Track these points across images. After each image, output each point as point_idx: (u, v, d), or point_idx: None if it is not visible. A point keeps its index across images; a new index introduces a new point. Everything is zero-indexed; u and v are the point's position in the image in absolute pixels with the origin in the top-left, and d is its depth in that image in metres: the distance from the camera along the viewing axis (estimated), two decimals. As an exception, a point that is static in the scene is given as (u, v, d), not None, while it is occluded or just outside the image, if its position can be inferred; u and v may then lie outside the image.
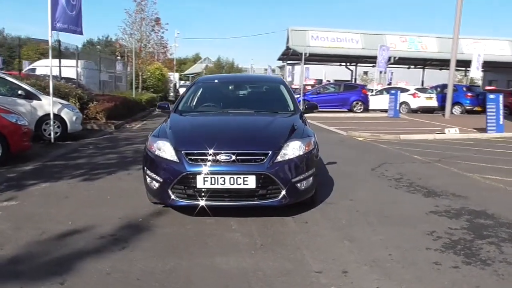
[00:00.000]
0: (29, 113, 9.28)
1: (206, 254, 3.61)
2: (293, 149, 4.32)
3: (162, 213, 4.68)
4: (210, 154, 4.15)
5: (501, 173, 7.01)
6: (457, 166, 7.55)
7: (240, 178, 4.07)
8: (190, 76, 69.99)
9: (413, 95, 21.56)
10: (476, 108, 21.98)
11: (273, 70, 56.68)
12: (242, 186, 4.09)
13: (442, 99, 22.14)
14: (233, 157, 4.13)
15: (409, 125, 15.54)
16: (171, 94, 32.66)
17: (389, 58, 35.26)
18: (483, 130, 13.38)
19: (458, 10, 19.11)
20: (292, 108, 5.56)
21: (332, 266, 3.38)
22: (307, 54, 35.43)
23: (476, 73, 28.90)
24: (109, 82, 22.25)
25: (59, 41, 13.58)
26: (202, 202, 4.16)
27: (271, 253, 3.62)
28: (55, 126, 9.64)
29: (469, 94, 22.32)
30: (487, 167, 7.48)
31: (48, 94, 9.79)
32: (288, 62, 45.15)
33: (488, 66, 37.79)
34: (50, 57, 9.74)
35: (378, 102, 22.48)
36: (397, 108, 19.52)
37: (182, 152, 4.21)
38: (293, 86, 48.05)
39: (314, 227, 4.31)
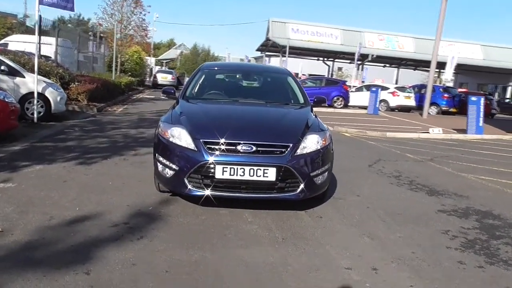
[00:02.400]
0: (12, 91, 8.77)
1: (228, 247, 3.50)
2: (311, 143, 4.25)
3: (171, 202, 4.52)
4: (230, 144, 4.02)
5: (493, 174, 7.20)
6: (449, 166, 7.71)
7: (260, 170, 3.97)
8: (165, 61, 68.66)
9: (393, 93, 21.95)
10: (451, 109, 22.62)
11: (249, 61, 56.40)
12: (261, 178, 3.99)
13: (419, 98, 22.66)
14: (254, 148, 4.01)
15: (390, 122, 15.79)
16: (148, 79, 31.93)
17: (367, 56, 35.83)
18: (463, 131, 13.78)
19: (442, 14, 19.48)
20: (302, 101, 5.48)
21: (360, 263, 3.35)
22: (288, 47, 35.50)
23: (450, 75, 29.69)
24: (85, 63, 21.47)
25: (40, 17, 12.89)
26: (220, 193, 4.04)
27: (294, 248, 3.55)
28: (39, 106, 9.19)
29: (445, 95, 22.92)
30: (478, 168, 7.67)
31: (29, 71, 9.32)
32: (267, 53, 45.00)
33: (460, 69, 38.93)
34: (36, 33, 9.25)
35: (357, 98, 22.76)
36: (377, 106, 19.80)
37: (200, 140, 4.05)
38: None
39: (329, 222, 4.27)
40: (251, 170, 3.96)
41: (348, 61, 44.99)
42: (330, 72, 45.15)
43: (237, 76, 6.11)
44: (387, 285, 3.01)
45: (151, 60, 39.79)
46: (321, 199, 4.79)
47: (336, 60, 45.07)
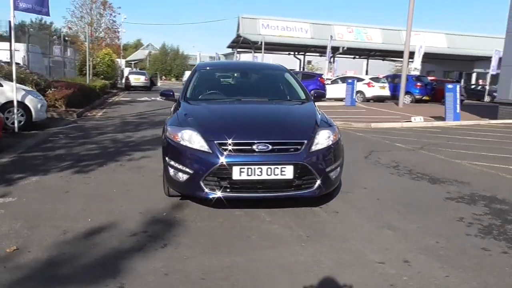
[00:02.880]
0: (-11, 100, 8.39)
1: (256, 248, 3.44)
2: (323, 139, 4.23)
3: (183, 206, 4.41)
4: (245, 144, 3.95)
5: (484, 159, 7.39)
6: (441, 153, 7.87)
7: (278, 168, 3.92)
8: (133, 62, 67.42)
9: (368, 84, 22.28)
10: (424, 97, 23.19)
11: (219, 58, 56.11)
12: (279, 177, 3.94)
13: (393, 88, 23.11)
14: (270, 147, 3.96)
15: (369, 113, 16.02)
16: (120, 81, 31.23)
17: (338, 48, 36.22)
18: (440, 118, 14.13)
19: (411, 5, 19.88)
20: (303, 96, 5.44)
21: (390, 256, 3.36)
22: (261, 43, 35.48)
23: (418, 63, 30.35)
24: (55, 68, 20.74)
25: (9, 23, 12.35)
26: (237, 194, 3.97)
27: (321, 245, 3.53)
28: (19, 115, 8.80)
29: (418, 84, 23.46)
30: (468, 154, 7.86)
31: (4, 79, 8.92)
32: (238, 50, 44.84)
33: (427, 57, 40.01)
34: (12, 40, 8.82)
35: (333, 91, 22.97)
36: (354, 97, 20.06)
37: (215, 142, 3.96)
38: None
39: (346, 216, 4.27)
40: (269, 169, 3.91)
41: (318, 54, 45.41)
42: (302, 66, 45.45)
43: (235, 74, 6.02)
44: (423, 277, 3.02)
45: (121, 62, 38.91)
46: (331, 194, 4.78)
47: (307, 53, 45.40)
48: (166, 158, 4.25)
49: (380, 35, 40.41)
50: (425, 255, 3.38)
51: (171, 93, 5.48)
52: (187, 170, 4.01)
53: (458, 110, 13.95)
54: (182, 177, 4.07)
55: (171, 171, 4.18)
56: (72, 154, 6.87)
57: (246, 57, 51.65)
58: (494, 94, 28.88)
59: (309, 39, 38.02)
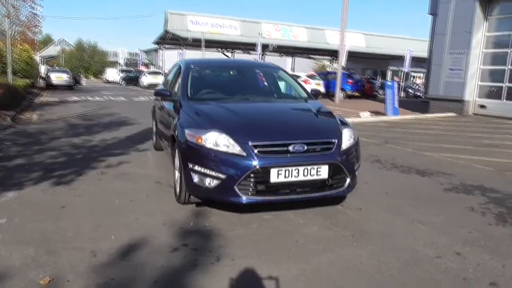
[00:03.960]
0: None
1: (312, 253, 3.31)
2: (348, 137, 4.21)
3: (205, 213, 4.13)
4: (281, 145, 3.80)
5: (448, 151, 7.92)
6: (406, 146, 8.29)
7: (314, 168, 3.82)
8: (45, 59, 62.40)
9: (305, 81, 22.88)
10: (355, 93, 24.42)
11: (142, 54, 54.09)
12: (315, 177, 3.85)
13: (327, 85, 24.04)
14: (306, 147, 3.84)
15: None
16: (39, 80, 28.70)
17: (268, 46, 36.75)
18: (380, 113, 14.94)
19: (345, 9, 20.73)
20: (305, 94, 5.39)
21: (441, 249, 3.43)
22: (191, 39, 34.76)
23: (343, 62, 31.79)
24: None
25: None
26: (275, 197, 3.81)
27: (372, 244, 3.50)
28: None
29: (350, 80, 24.62)
30: (429, 146, 8.37)
31: None
32: (166, 46, 43.52)
33: (348, 56, 42.14)
34: None
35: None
36: (293, 94, 20.48)
37: (249, 144, 3.74)
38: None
39: (371, 213, 4.29)
40: (305, 170, 3.79)
41: (247, 51, 45.70)
42: (230, 64, 45.39)
43: (231, 72, 5.77)
44: (484, 268, 3.13)
45: (37, 59, 35.80)
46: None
47: (236, 51, 45.47)
48: (189, 164, 3.93)
49: (306, 34, 41.75)
50: (470, 246, 3.51)
51: (168, 93, 5.09)
52: (218, 175, 3.75)
53: (396, 105, 14.86)
54: (211, 182, 3.80)
55: (196, 177, 3.88)
56: (36, 164, 6.10)
57: (172, 54, 50.37)
58: (409, 90, 31.38)
59: (238, 36, 38.11)
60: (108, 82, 46.04)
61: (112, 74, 46.85)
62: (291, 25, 41.41)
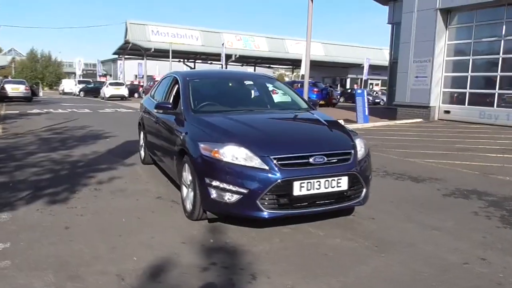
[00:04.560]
0: None
1: (346, 266, 3.28)
2: (360, 147, 4.24)
3: (220, 229, 4.02)
4: (302, 157, 3.76)
5: (431, 157, 8.19)
6: (390, 153, 8.51)
7: (334, 180, 3.82)
8: (-7, 70, 59.26)
9: (273, 91, 23.07)
10: (321, 102, 24.83)
11: (100, 65, 52.67)
12: (335, 189, 3.84)
13: (293, 94, 24.33)
14: (326, 159, 3.82)
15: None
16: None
17: (231, 56, 36.82)
18: (351, 121, 15.26)
19: (310, 15, 21.13)
20: (305, 105, 5.40)
21: (466, 255, 3.50)
22: (153, 50, 34.20)
23: (304, 70, 32.36)
24: None
25: None
26: (298, 211, 3.76)
27: (399, 254, 3.52)
28: None
29: (315, 89, 25.07)
30: (413, 153, 8.62)
31: None
32: (126, 56, 42.62)
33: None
34: None
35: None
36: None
37: (270, 157, 3.68)
38: (134, 82, 45.51)
39: (385, 222, 4.34)
40: (326, 182, 3.78)
41: (209, 61, 45.60)
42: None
43: (230, 84, 5.68)
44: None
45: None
46: None
47: (197, 61, 45.24)
48: (205, 179, 3.81)
49: (266, 43, 42.21)
50: (491, 250, 3.61)
51: (170, 106, 4.94)
52: (239, 189, 3.66)
53: (366, 113, 15.26)
54: (231, 197, 3.70)
55: (214, 192, 3.77)
56: (21, 182, 5.73)
57: (132, 64, 49.40)
58: (368, 97, 32.38)
59: (200, 46, 37.96)
60: (64, 93, 44.39)
61: (69, 85, 45.28)
62: (252, 34, 41.74)
